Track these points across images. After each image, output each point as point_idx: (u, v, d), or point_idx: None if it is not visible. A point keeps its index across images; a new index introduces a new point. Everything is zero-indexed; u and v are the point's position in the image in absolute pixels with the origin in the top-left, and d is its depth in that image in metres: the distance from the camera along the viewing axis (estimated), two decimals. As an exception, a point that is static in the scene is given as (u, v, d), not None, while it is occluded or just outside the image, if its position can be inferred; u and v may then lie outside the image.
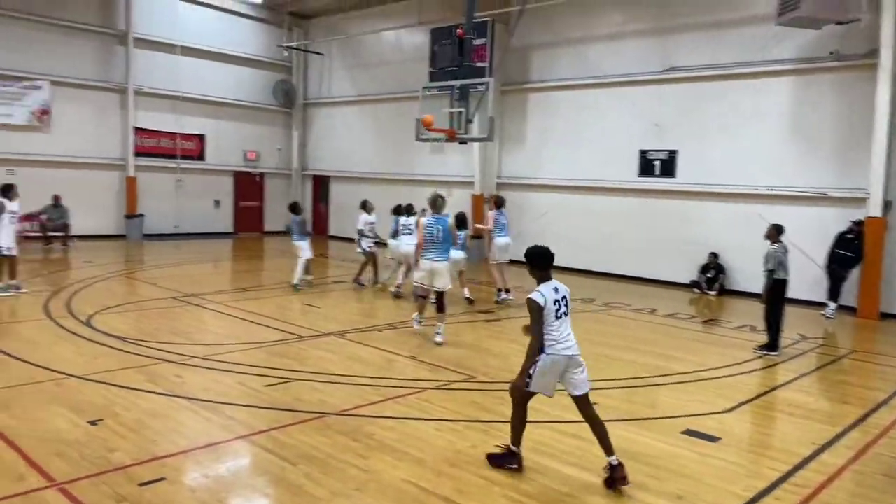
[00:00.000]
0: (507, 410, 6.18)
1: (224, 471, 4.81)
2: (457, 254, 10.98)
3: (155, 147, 20.62)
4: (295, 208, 12.87)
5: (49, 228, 17.44)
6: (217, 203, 22.50)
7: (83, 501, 4.14)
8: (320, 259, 18.14)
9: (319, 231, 23.91)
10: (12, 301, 10.27)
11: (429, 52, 17.53)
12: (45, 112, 18.25)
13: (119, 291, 11.99)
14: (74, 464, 4.66)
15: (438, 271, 8.78)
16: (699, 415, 6.29)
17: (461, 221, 11.57)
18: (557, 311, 4.62)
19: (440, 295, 8.85)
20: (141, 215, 20.06)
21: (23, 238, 17.20)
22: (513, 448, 4.90)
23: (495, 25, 16.36)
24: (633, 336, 9.80)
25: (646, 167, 15.39)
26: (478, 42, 15.37)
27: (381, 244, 13.22)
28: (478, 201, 17.87)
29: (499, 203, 12.19)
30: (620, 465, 4.61)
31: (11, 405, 5.75)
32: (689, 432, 5.79)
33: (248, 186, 23.33)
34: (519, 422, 4.88)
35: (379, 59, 21.28)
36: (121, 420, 5.53)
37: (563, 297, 4.69)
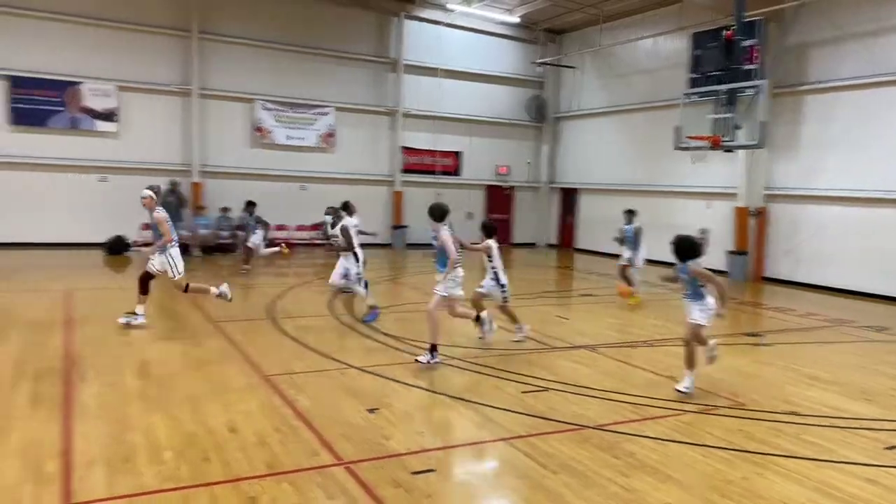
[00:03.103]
0: (783, 443, 5.60)
1: (487, 470, 4.98)
2: None
3: (418, 164, 22.42)
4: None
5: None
6: (470, 215, 23.63)
7: (366, 482, 4.56)
8: (566, 271, 18.19)
9: (566, 244, 24.00)
10: (304, 298, 11.73)
11: (688, 57, 16.65)
12: (330, 135, 20.77)
13: (388, 294, 13.14)
14: (357, 446, 5.15)
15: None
16: None
17: None
18: None
19: None
20: (405, 226, 21.90)
21: (313, 245, 19.90)
22: None
23: (768, 24, 15.04)
24: (941, 374, 8.28)
25: (958, 175, 13.00)
26: (747, 43, 14.18)
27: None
28: (741, 214, 16.54)
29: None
30: None
31: (306, 388, 6.56)
32: None
33: (499, 199, 24.21)
34: None
35: (633, 69, 20.79)
36: (392, 410, 6.02)
37: None
